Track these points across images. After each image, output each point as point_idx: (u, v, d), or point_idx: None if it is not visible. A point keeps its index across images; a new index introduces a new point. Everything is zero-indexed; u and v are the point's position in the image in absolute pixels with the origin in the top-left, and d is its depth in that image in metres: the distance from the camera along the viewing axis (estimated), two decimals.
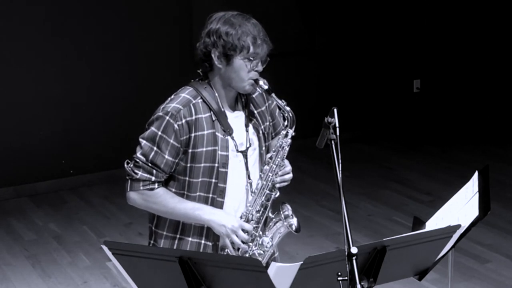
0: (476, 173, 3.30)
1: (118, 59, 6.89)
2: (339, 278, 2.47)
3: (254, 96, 3.18)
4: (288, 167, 3.18)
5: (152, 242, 3.14)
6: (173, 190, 3.05)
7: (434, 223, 3.25)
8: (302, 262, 2.50)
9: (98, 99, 6.86)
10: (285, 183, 3.17)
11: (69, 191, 6.75)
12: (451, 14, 8.25)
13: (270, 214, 3.14)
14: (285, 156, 3.13)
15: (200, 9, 6.80)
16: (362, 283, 2.46)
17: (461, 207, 3.22)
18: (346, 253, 2.47)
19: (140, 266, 2.67)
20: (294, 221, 3.12)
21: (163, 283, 2.70)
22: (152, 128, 2.99)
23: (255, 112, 3.17)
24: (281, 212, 3.13)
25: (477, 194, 3.19)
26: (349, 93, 7.89)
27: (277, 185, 3.12)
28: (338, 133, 2.69)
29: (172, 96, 3.05)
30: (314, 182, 6.83)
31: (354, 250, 2.47)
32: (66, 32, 6.63)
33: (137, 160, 3.01)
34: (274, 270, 2.53)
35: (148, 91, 6.79)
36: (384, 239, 2.64)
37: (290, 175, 3.19)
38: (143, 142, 3.01)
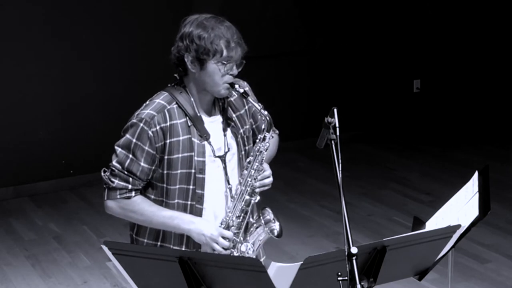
0: (476, 173, 3.29)
1: (118, 59, 6.89)
2: (339, 278, 2.47)
3: (232, 99, 3.12)
4: (268, 171, 3.08)
5: None
6: (152, 197, 3.01)
7: (434, 223, 3.25)
8: (302, 262, 2.50)
9: (98, 99, 6.86)
10: (266, 188, 3.08)
11: (69, 191, 6.75)
12: (451, 14, 8.25)
13: (251, 219, 3.09)
14: (263, 160, 3.05)
15: (200, 9, 6.80)
16: (362, 283, 2.46)
17: (461, 207, 3.22)
18: (346, 253, 2.47)
19: (140, 266, 2.67)
20: (275, 225, 3.06)
21: (163, 283, 2.70)
22: (127, 136, 2.96)
23: (234, 115, 3.11)
24: (262, 217, 3.07)
25: (477, 194, 3.19)
26: (349, 93, 7.89)
27: (257, 190, 3.05)
28: (338, 133, 2.68)
29: (147, 102, 3.01)
30: (314, 182, 6.83)
31: (354, 250, 2.47)
32: (66, 32, 6.64)
33: (113, 168, 2.97)
34: (274, 270, 2.53)
35: (148, 91, 6.77)
36: (384, 239, 2.64)
37: (270, 179, 3.09)
38: (119, 149, 2.97)
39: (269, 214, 3.08)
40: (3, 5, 6.41)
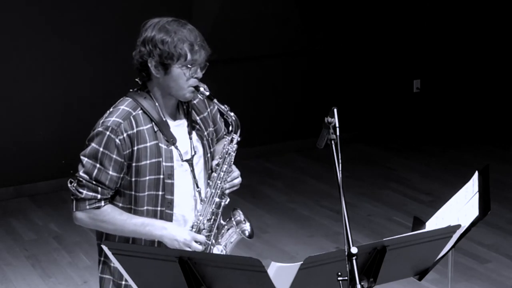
0: (476, 173, 3.29)
1: (117, 59, 6.87)
2: (339, 278, 2.47)
3: (195, 102, 3.10)
4: (236, 172, 3.08)
5: (102, 259, 3.06)
6: (120, 205, 2.98)
7: (434, 223, 3.25)
8: (302, 262, 2.50)
9: (98, 99, 6.85)
10: (235, 188, 3.07)
11: (69, 191, 6.73)
12: (451, 14, 8.25)
13: (222, 221, 3.09)
14: (232, 162, 3.04)
15: (200, 9, 6.81)
16: (362, 283, 2.46)
17: (461, 207, 3.22)
18: (346, 253, 2.47)
19: (140, 266, 2.67)
20: (246, 226, 3.07)
21: (163, 283, 2.70)
22: (93, 145, 2.93)
23: (198, 118, 3.09)
24: (233, 219, 3.07)
25: (477, 194, 3.19)
26: (349, 93, 7.89)
27: (227, 191, 3.04)
28: (338, 133, 2.68)
29: (111, 109, 2.98)
30: (314, 182, 6.83)
31: (354, 250, 2.47)
32: (66, 32, 6.64)
33: (81, 179, 2.93)
34: (274, 270, 2.53)
35: None
36: (384, 239, 2.64)
37: (239, 180, 3.08)
38: (85, 159, 2.93)
39: (240, 215, 3.08)
40: (3, 6, 6.41)
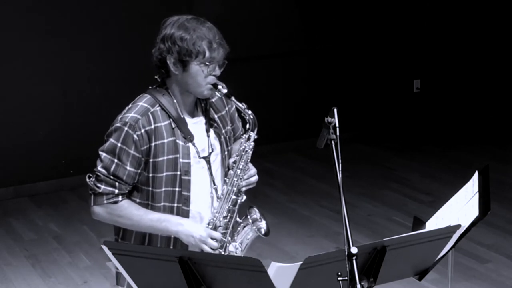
0: (476, 173, 3.29)
1: (117, 59, 6.89)
2: (339, 278, 2.48)
3: (213, 100, 3.12)
4: (253, 170, 3.09)
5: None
6: (137, 200, 3.00)
7: (434, 223, 3.25)
8: (302, 262, 2.50)
9: (98, 99, 6.86)
10: (251, 186, 3.09)
11: (69, 191, 6.75)
12: (451, 14, 8.25)
13: (238, 219, 3.09)
14: (249, 160, 3.05)
15: (200, 9, 6.81)
16: (362, 283, 2.46)
17: (461, 207, 3.22)
18: (346, 253, 2.47)
19: (140, 266, 2.67)
20: (262, 224, 3.08)
21: (163, 283, 2.70)
22: (111, 140, 2.95)
23: (216, 116, 3.11)
24: (249, 216, 3.08)
25: (477, 194, 3.19)
26: (348, 93, 7.89)
27: (243, 189, 3.05)
28: (338, 133, 2.68)
29: (130, 105, 3.01)
30: (314, 182, 6.83)
31: (354, 250, 2.47)
32: (66, 32, 6.64)
33: (99, 173, 2.96)
34: (274, 270, 2.53)
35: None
36: (384, 239, 2.64)
37: (256, 178, 3.09)
38: (103, 154, 2.96)
39: (256, 213, 3.09)
40: (2, 6, 6.41)
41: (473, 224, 3.08)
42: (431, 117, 8.34)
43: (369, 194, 6.56)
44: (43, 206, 6.48)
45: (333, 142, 2.68)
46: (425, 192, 6.55)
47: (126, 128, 2.92)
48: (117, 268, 3.05)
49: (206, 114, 3.08)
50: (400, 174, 7.03)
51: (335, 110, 2.70)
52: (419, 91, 8.33)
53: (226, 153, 3.10)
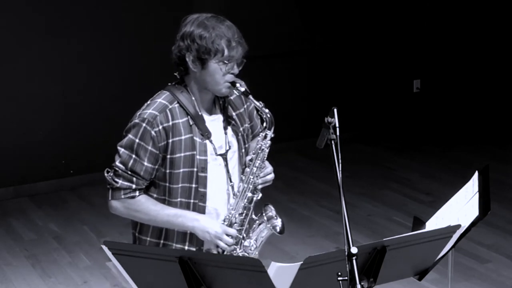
0: (476, 173, 3.29)
1: (117, 59, 6.89)
2: (339, 278, 2.48)
3: (232, 98, 3.15)
4: (269, 168, 3.13)
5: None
6: (155, 196, 3.03)
7: (434, 223, 3.25)
8: (302, 262, 2.50)
9: (97, 99, 6.86)
10: (267, 184, 3.12)
11: (69, 191, 6.75)
12: (451, 14, 8.25)
13: (253, 216, 3.11)
14: (265, 158, 3.08)
15: (200, 9, 6.80)
16: (362, 283, 2.47)
17: (461, 207, 3.22)
18: (346, 253, 2.47)
19: (140, 266, 2.67)
20: (278, 222, 3.09)
21: (163, 283, 2.71)
22: (130, 136, 2.98)
23: (234, 114, 3.14)
24: (264, 214, 3.09)
25: (477, 194, 3.19)
26: (349, 93, 7.89)
27: (259, 187, 3.08)
28: (338, 133, 2.68)
29: (149, 102, 3.03)
30: (314, 182, 6.83)
31: (354, 250, 2.47)
32: (66, 32, 6.63)
33: (117, 168, 2.99)
34: (274, 270, 2.53)
35: (147, 91, 6.78)
36: (384, 239, 2.65)
37: (272, 176, 3.13)
38: (121, 150, 2.99)
39: (271, 211, 3.11)
40: (2, 6, 6.41)
41: (473, 224, 3.08)
42: (431, 117, 8.34)
43: (369, 194, 6.56)
44: (43, 206, 6.48)
45: (333, 142, 2.68)
46: (425, 192, 6.55)
47: (144, 125, 2.95)
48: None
49: (224, 111, 3.10)
50: (400, 174, 7.03)
51: (335, 110, 2.70)
52: (419, 91, 8.33)
53: (243, 150, 3.13)
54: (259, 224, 3.10)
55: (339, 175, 2.61)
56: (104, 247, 2.65)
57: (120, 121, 7.01)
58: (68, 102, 6.75)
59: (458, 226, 2.82)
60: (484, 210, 3.12)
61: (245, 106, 3.19)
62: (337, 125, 2.69)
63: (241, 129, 3.14)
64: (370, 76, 8.02)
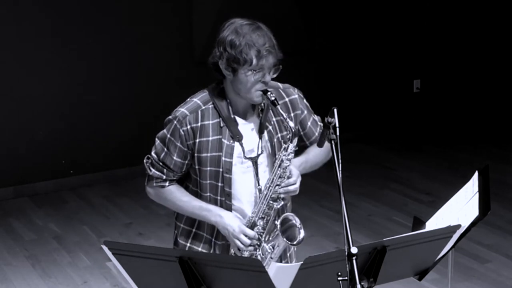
0: (476, 173, 3.29)
1: (117, 60, 6.88)
2: (339, 278, 2.47)
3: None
4: (293, 179, 3.09)
5: (175, 232, 3.22)
6: (190, 186, 3.13)
7: (434, 223, 3.25)
8: (302, 262, 2.50)
9: (98, 100, 6.86)
10: (291, 194, 3.14)
11: (69, 191, 6.75)
12: (451, 14, 8.25)
13: (276, 223, 3.11)
14: (287, 168, 3.06)
15: (200, 9, 6.81)
16: (362, 283, 2.46)
17: (461, 207, 3.22)
18: (346, 253, 2.47)
19: (140, 266, 2.67)
20: (295, 233, 3.08)
21: (163, 283, 2.70)
22: (164, 130, 3.08)
23: (274, 120, 3.12)
24: (280, 225, 3.06)
25: (477, 194, 3.19)
26: (349, 93, 7.89)
27: (281, 196, 3.09)
28: (338, 133, 2.68)
29: (187, 99, 3.10)
30: (314, 182, 6.81)
31: (354, 250, 2.46)
32: (66, 32, 6.63)
33: (151, 158, 3.10)
34: (274, 270, 2.53)
35: (147, 92, 6.79)
36: (384, 239, 2.64)
37: (295, 186, 3.11)
38: (157, 141, 3.10)
39: (293, 219, 3.09)
40: (4, 7, 6.41)
41: (473, 224, 3.07)
42: (431, 117, 8.34)
43: (369, 194, 6.56)
44: (43, 206, 6.48)
45: (333, 142, 2.68)
46: (425, 192, 6.55)
47: (175, 122, 3.03)
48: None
49: (262, 116, 3.10)
50: (400, 174, 7.03)
51: (335, 110, 2.70)
52: (419, 91, 8.33)
53: (277, 156, 3.10)
54: (277, 233, 3.10)
55: (339, 175, 2.60)
56: (104, 247, 2.65)
57: (119, 121, 7.05)
58: (68, 102, 6.75)
59: (458, 226, 2.82)
60: (484, 210, 3.12)
61: (292, 114, 3.16)
62: (337, 125, 2.68)
63: (279, 135, 3.12)
64: (370, 76, 8.02)
